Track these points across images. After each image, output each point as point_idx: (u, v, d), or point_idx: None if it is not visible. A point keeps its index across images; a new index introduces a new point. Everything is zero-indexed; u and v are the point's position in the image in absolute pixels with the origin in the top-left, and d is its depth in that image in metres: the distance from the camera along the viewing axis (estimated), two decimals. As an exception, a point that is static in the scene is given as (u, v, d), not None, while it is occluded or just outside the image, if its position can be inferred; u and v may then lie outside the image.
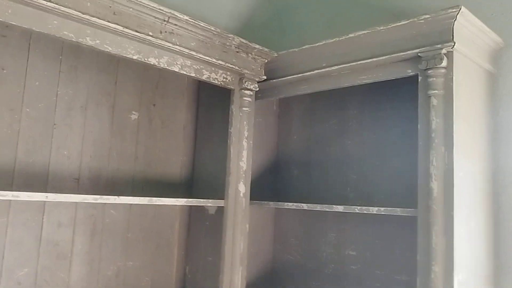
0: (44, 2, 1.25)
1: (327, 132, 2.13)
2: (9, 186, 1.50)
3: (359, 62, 1.67)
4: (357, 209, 1.66)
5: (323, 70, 1.79)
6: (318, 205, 1.77)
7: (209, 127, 2.04)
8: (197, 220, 1.97)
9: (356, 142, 2.01)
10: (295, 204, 1.85)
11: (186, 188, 2.03)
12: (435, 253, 1.39)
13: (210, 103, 2.06)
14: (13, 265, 1.49)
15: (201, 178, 2.02)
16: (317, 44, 1.78)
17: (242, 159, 1.80)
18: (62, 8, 1.29)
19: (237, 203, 1.77)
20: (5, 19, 1.22)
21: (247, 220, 1.80)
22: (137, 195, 1.83)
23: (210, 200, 1.75)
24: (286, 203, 1.88)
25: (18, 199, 1.24)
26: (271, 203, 1.96)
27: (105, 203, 1.73)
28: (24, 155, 1.54)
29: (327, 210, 1.74)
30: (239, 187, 1.78)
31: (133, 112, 1.86)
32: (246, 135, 1.82)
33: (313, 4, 2.34)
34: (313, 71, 1.82)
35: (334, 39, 1.72)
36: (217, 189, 1.89)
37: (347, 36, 1.68)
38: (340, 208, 1.70)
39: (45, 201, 1.55)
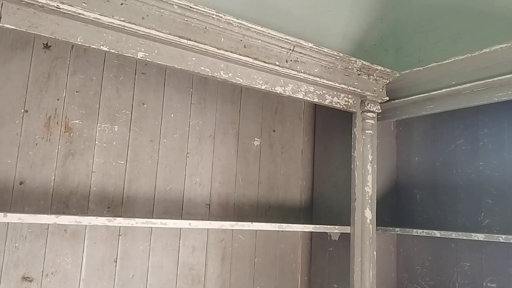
0: (185, 41, 1.34)
1: (454, 153, 2.00)
2: (150, 213, 1.61)
3: (496, 79, 1.55)
4: (501, 238, 1.52)
5: (452, 88, 1.69)
6: (454, 232, 1.65)
7: (327, 151, 2.02)
8: (320, 245, 1.94)
9: (491, 163, 1.85)
10: (425, 231, 1.75)
11: (306, 212, 2.02)
12: None
13: (327, 126, 2.05)
14: None
15: (321, 203, 2.00)
16: (445, 62, 1.69)
17: (368, 184, 1.75)
18: (200, 46, 1.37)
19: (364, 229, 1.72)
20: (153, 59, 1.33)
21: (374, 248, 1.73)
22: (261, 219, 1.87)
23: (337, 227, 1.72)
24: (414, 230, 1.79)
25: (166, 226, 1.33)
26: (397, 229, 1.87)
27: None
28: (162, 183, 1.65)
29: (464, 238, 1.62)
30: (366, 213, 1.73)
31: (256, 139, 1.91)
32: (370, 159, 1.77)
33: (433, 21, 2.24)
34: (440, 90, 1.73)
35: (465, 55, 1.62)
36: (339, 214, 1.86)
37: (481, 52, 1.57)
38: (480, 237, 1.57)
39: (181, 227, 1.63)
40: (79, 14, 1.18)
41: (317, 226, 1.67)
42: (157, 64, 1.35)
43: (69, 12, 1.17)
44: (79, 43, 1.21)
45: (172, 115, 1.70)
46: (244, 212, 1.83)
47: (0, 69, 1.39)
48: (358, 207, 1.73)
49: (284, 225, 1.58)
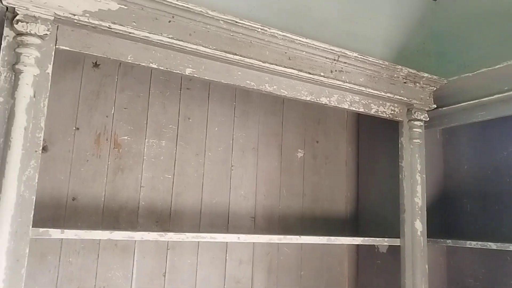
0: (231, 56, 1.35)
1: (506, 160, 1.91)
2: (197, 226, 1.62)
3: (553, 83, 1.48)
4: None
5: (505, 94, 1.62)
6: (511, 244, 1.57)
7: (371, 161, 1.98)
8: (367, 258, 1.90)
9: (548, 172, 1.76)
10: (480, 243, 1.67)
11: (352, 224, 1.98)
12: None
13: (371, 135, 2.01)
14: (203, 301, 1.59)
15: (367, 214, 1.96)
16: (496, 67, 1.63)
17: (417, 194, 1.70)
18: (246, 60, 1.38)
19: (415, 242, 1.66)
20: (200, 75, 1.34)
21: (426, 261, 1.67)
22: (306, 232, 1.84)
23: (386, 239, 1.67)
24: (468, 242, 1.72)
25: (216, 240, 1.33)
26: (449, 241, 1.80)
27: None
28: (208, 196, 1.66)
29: (523, 250, 1.54)
30: (416, 225, 1.67)
31: (299, 150, 1.89)
32: (419, 169, 1.72)
33: (477, 24, 2.17)
34: (492, 95, 1.67)
35: (519, 59, 1.56)
36: (386, 226, 1.81)
37: (536, 55, 1.51)
38: (541, 249, 1.49)
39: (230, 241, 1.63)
40: (130, 33, 1.20)
41: (366, 238, 1.63)
42: (204, 80, 1.37)
43: (120, 32, 1.19)
44: (130, 61, 1.24)
45: (216, 129, 1.71)
46: (289, 224, 1.81)
47: (53, 88, 1.43)
48: (407, 219, 1.68)
49: (332, 238, 1.55)
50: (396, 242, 1.68)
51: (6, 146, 1.04)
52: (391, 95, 1.67)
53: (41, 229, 1.09)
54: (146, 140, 1.56)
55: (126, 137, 1.53)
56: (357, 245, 1.95)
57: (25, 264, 1.02)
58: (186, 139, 1.64)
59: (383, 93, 1.65)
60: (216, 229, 1.65)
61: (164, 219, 1.56)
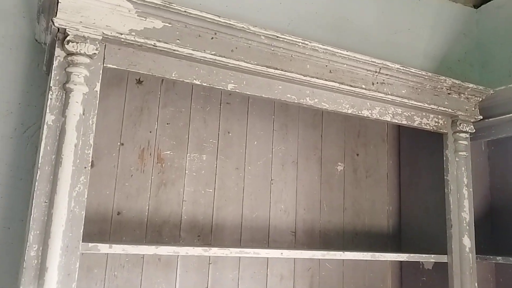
0: (272, 70, 1.35)
1: (559, 173, 1.82)
2: (238, 241, 1.61)
3: None
4: None
5: (557, 103, 1.55)
6: None
7: (414, 174, 1.93)
8: (411, 274, 1.84)
9: None
10: (533, 260, 1.59)
11: (394, 239, 1.93)
12: None
13: (413, 148, 1.96)
14: (245, 316, 1.58)
15: (410, 229, 1.90)
16: (547, 76, 1.56)
17: (464, 209, 1.64)
18: (287, 74, 1.37)
19: (463, 258, 1.60)
20: (241, 90, 1.35)
21: (475, 278, 1.60)
22: (348, 247, 1.81)
23: (432, 256, 1.61)
24: (520, 259, 1.64)
25: (259, 256, 1.32)
26: (499, 258, 1.72)
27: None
28: (248, 211, 1.65)
29: None
30: (464, 241, 1.61)
31: (339, 163, 1.87)
32: (465, 182, 1.66)
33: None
34: (543, 105, 1.60)
35: None
36: (431, 241, 1.75)
37: None
38: None
39: (273, 256, 1.62)
40: (174, 50, 1.22)
41: (412, 255, 1.58)
42: (245, 95, 1.37)
43: (165, 49, 1.22)
44: (174, 78, 1.26)
45: (255, 142, 1.71)
46: (330, 239, 1.78)
47: (99, 105, 1.47)
48: (455, 235, 1.62)
49: (377, 254, 1.51)
50: (443, 258, 1.62)
51: (57, 163, 1.07)
52: (435, 107, 1.63)
53: (90, 244, 1.12)
54: (188, 154, 1.58)
55: (168, 152, 1.55)
56: (401, 261, 1.90)
57: (75, 278, 1.04)
58: (226, 153, 1.64)
59: (426, 105, 1.61)
60: (256, 244, 1.64)
61: (205, 233, 1.57)
